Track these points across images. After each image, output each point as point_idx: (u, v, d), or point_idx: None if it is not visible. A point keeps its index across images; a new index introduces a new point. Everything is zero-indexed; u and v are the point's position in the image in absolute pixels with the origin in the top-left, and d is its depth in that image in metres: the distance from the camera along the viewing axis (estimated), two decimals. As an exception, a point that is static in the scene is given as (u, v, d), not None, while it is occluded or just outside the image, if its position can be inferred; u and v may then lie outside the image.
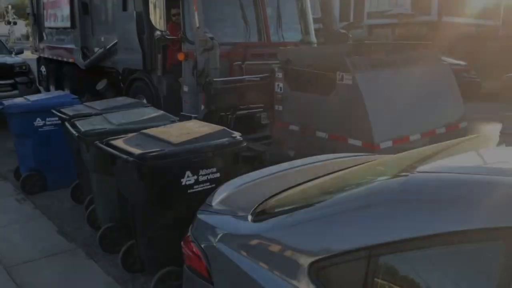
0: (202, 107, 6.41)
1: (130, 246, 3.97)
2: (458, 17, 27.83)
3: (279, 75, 5.84)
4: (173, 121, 4.52)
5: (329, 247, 1.69)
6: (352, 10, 34.48)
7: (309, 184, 2.35)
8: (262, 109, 6.81)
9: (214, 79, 5.96)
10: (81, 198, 5.32)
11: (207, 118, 6.18)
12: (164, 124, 4.24)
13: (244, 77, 6.84)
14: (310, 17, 8.58)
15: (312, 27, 8.59)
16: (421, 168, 1.84)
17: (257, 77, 6.58)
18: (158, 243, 3.63)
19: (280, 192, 2.31)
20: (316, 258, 1.69)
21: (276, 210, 2.10)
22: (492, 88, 14.94)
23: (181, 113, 6.97)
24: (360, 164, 2.45)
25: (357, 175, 2.27)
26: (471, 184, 1.55)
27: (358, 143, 4.78)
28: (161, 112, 4.88)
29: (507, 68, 15.34)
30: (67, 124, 4.62)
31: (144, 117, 4.61)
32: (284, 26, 8.24)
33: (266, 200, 2.24)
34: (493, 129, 2.09)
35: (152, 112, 4.85)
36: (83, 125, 4.44)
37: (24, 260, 4.23)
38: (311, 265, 1.68)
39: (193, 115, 6.76)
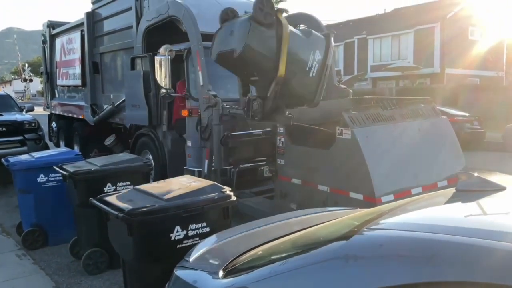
0: (206, 161, 6.55)
1: (122, 302, 3.99)
2: (460, 69, 28.32)
3: (281, 129, 5.97)
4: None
5: None
6: (356, 63, 35.29)
7: (279, 240, 2.41)
8: (264, 163, 6.90)
9: (232, 133, 6.14)
10: (80, 253, 5.36)
11: (213, 172, 6.32)
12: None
13: (249, 131, 7.00)
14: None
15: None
16: (372, 225, 1.90)
17: (259, 132, 6.72)
18: (148, 298, 3.64)
19: (252, 248, 2.37)
20: None
21: (244, 266, 2.15)
22: (495, 138, 15.04)
23: (185, 167, 7.11)
24: (332, 219, 2.51)
25: (320, 232, 2.33)
26: (405, 242, 1.64)
27: (359, 197, 4.80)
28: None
29: (510, 118, 15.44)
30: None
31: None
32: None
33: (238, 256, 2.29)
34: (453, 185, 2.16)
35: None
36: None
37: (18, 316, 4.25)
38: None
39: (196, 169, 6.90)
